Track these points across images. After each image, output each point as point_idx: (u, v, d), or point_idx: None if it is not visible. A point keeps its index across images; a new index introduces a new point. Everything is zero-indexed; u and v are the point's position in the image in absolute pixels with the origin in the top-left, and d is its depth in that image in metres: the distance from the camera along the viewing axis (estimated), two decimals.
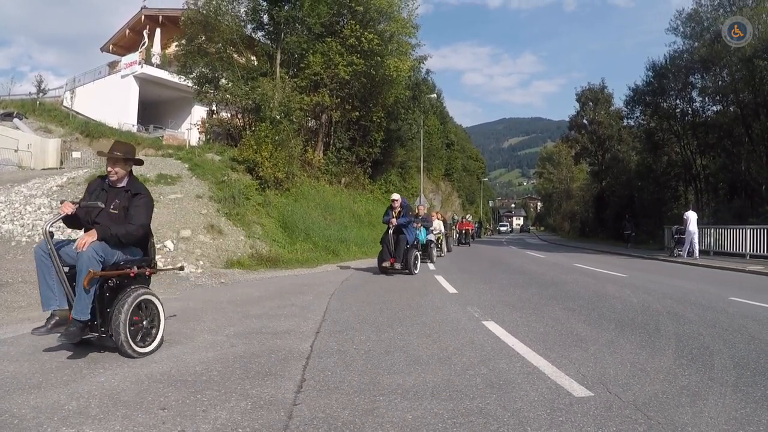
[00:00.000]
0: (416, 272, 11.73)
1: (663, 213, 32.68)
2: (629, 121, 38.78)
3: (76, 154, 25.42)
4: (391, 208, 12.07)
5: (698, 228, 19.62)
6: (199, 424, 2.85)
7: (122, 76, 33.01)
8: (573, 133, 50.40)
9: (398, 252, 11.34)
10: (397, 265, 11.24)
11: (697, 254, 18.97)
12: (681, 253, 19.51)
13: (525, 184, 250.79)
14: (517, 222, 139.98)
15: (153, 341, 4.39)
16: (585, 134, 47.63)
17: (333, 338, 5.12)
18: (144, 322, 4.32)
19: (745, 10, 24.78)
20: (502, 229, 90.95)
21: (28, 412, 2.93)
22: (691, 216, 19.88)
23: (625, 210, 36.15)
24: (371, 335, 5.28)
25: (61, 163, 24.18)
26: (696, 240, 19.44)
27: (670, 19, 29.10)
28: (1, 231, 11.08)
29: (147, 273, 4.54)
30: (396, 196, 12.24)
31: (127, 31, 37.30)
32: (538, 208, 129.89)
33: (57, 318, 4.05)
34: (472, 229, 36.43)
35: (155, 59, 33.54)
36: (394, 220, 11.59)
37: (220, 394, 3.34)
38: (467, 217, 36.56)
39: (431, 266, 14.17)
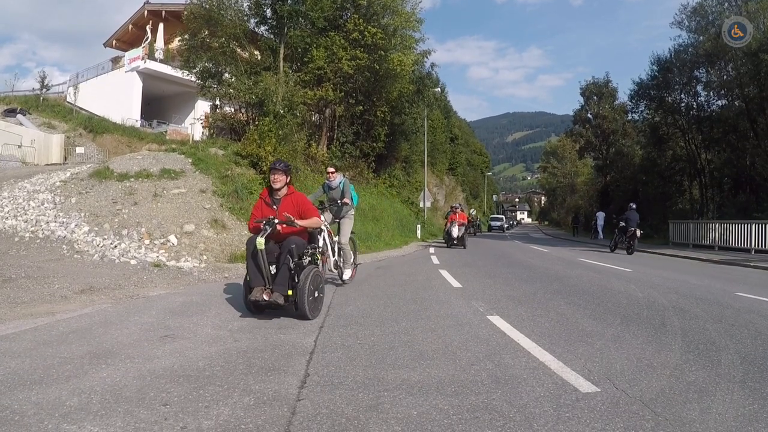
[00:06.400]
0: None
1: (668, 207, 32.61)
2: (634, 115, 38.77)
3: (79, 150, 25.49)
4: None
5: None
6: (201, 420, 2.82)
7: (126, 72, 33.03)
8: (577, 128, 50.30)
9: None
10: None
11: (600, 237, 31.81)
12: (597, 238, 32.00)
13: (529, 178, 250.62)
14: (521, 216, 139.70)
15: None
16: (589, 128, 47.56)
17: (337, 333, 5.09)
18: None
19: (750, 3, 24.62)
20: (494, 224, 57.39)
21: (29, 409, 2.91)
22: (600, 215, 34.71)
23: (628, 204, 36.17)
24: (375, 330, 5.26)
25: (65, 158, 24.26)
26: (600, 231, 33.67)
27: (674, 13, 28.87)
28: (5, 227, 11.10)
29: None
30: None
31: (130, 26, 37.30)
32: (542, 202, 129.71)
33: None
34: (467, 224, 27.62)
35: (158, 54, 33.57)
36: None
37: (222, 390, 3.32)
38: (457, 205, 23.41)
39: (435, 260, 14.14)
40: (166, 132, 29.84)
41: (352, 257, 8.98)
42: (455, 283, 9.10)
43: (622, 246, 19.79)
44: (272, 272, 5.56)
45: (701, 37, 27.60)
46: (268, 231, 5.46)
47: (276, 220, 5.58)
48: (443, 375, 3.74)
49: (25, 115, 28.41)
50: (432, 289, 8.40)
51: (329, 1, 22.61)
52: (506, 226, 61.14)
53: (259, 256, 5.42)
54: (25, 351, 4.16)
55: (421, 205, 32.36)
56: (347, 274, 8.74)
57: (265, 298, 5.40)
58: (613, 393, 3.35)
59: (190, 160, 15.21)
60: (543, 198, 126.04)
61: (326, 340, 4.80)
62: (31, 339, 4.53)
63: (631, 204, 20.86)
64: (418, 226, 27.77)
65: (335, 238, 8.68)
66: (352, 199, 9.21)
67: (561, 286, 8.98)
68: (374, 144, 27.83)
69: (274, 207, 5.93)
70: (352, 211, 9.23)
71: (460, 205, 22.49)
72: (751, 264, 14.24)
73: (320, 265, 7.04)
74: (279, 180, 5.98)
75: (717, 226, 21.45)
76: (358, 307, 6.64)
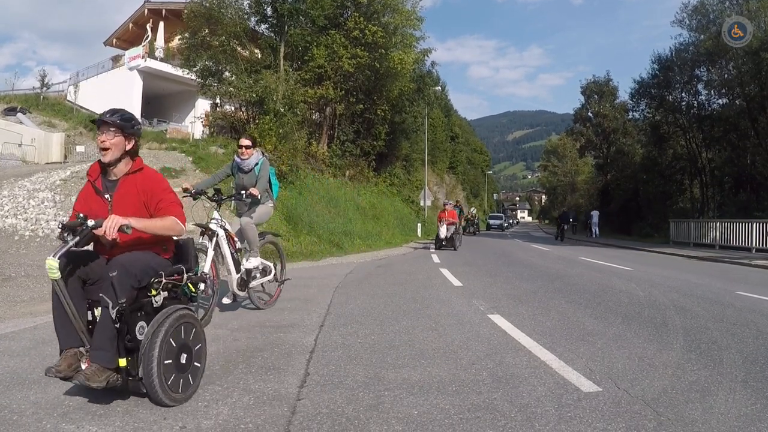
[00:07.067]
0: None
1: (668, 206, 32.60)
2: (634, 114, 38.82)
3: (79, 149, 25.41)
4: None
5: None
6: (200, 419, 2.81)
7: (126, 70, 32.96)
8: (578, 126, 50.26)
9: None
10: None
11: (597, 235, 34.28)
12: (592, 236, 33.93)
13: (529, 177, 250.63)
14: (522, 214, 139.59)
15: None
16: (590, 127, 47.51)
17: (337, 332, 5.08)
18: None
19: (750, 2, 24.59)
20: (493, 223, 52.20)
21: (28, 408, 2.90)
22: (594, 213, 36.32)
23: (630, 203, 36.36)
24: (376, 329, 5.24)
25: (65, 157, 24.19)
26: (596, 229, 35.50)
27: (675, 12, 28.85)
28: (5, 225, 11.08)
29: None
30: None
31: (131, 25, 37.21)
32: (543, 201, 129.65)
33: None
34: (465, 222, 32.51)
35: (159, 53, 33.48)
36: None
37: (222, 389, 3.31)
38: (447, 202, 22.57)
39: (436, 259, 14.12)
40: (166, 130, 29.73)
41: (274, 267, 6.41)
42: (456, 282, 9.08)
43: (563, 237, 28.18)
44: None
45: (702, 36, 27.57)
46: (70, 244, 2.79)
47: (91, 222, 2.82)
48: (444, 374, 3.73)
49: (25, 113, 28.35)
50: (432, 288, 8.38)
51: (329, 0, 22.60)
52: (506, 224, 57.13)
53: (60, 294, 2.79)
54: (25, 350, 4.15)
55: (422, 203, 32.35)
56: (253, 264, 5.89)
57: (83, 367, 2.80)
58: (614, 392, 3.34)
59: (191, 159, 15.23)
60: (543, 197, 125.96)
61: (326, 339, 4.79)
62: (31, 338, 4.52)
63: (564, 209, 34.47)
64: (419, 224, 27.77)
65: (239, 245, 5.94)
66: (271, 188, 6.44)
67: (562, 284, 8.97)
68: (375, 142, 27.82)
69: (107, 196, 3.20)
70: (272, 202, 6.51)
71: (456, 202, 22.29)
72: (752, 263, 14.22)
73: (212, 297, 5.12)
74: (109, 143, 3.19)
75: (718, 225, 21.44)
76: (359, 305, 6.62)
